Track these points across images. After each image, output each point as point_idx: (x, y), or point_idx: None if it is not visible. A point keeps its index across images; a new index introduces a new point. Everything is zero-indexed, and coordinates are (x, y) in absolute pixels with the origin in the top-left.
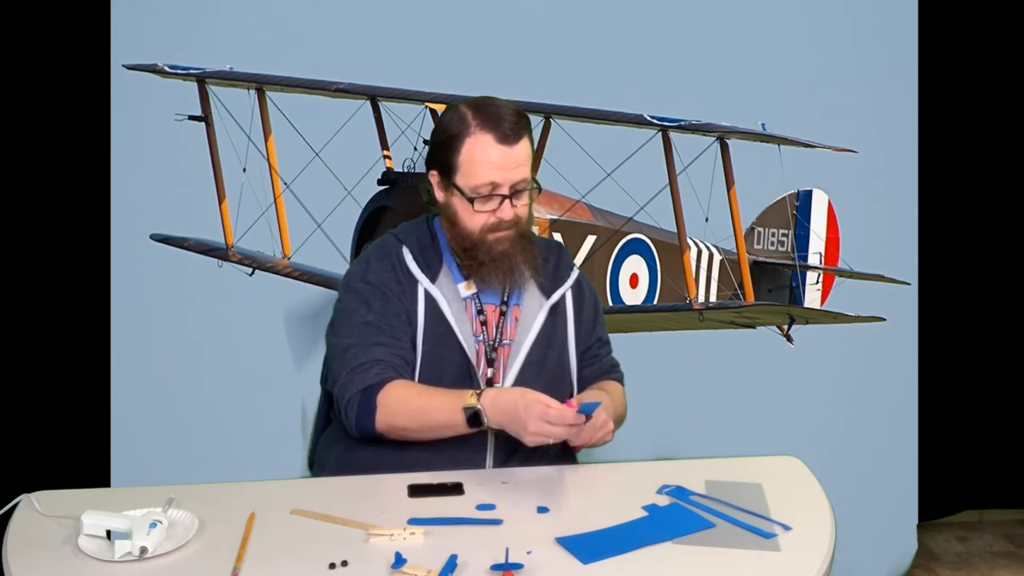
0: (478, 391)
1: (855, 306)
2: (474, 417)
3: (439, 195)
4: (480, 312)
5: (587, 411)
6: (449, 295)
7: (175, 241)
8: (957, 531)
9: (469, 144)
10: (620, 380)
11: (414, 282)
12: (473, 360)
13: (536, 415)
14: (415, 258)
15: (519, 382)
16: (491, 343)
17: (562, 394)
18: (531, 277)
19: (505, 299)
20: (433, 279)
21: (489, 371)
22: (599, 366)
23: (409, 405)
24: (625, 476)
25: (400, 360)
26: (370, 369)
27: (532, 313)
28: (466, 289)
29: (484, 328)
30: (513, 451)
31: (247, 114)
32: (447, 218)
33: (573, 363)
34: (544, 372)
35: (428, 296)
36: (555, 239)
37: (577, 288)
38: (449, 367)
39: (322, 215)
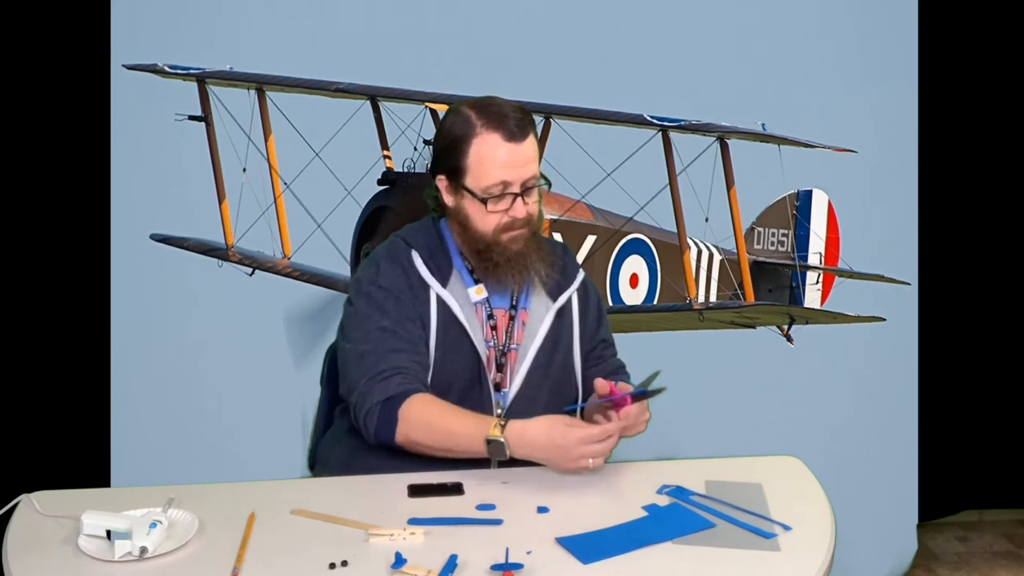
0: (503, 422)
1: (855, 306)
2: (497, 449)
3: (448, 199)
4: (490, 317)
5: (643, 392)
6: (461, 299)
7: (175, 241)
8: (957, 531)
9: (476, 145)
10: (628, 382)
11: (426, 287)
12: (484, 365)
13: (578, 439)
14: (425, 262)
15: (525, 386)
16: (501, 348)
17: (567, 397)
18: (546, 276)
19: (514, 303)
20: (444, 283)
21: (497, 376)
22: (604, 367)
23: (431, 423)
24: (625, 476)
25: (419, 367)
26: (391, 378)
27: (539, 317)
28: (476, 294)
29: (494, 333)
30: (517, 461)
31: (247, 114)
32: (458, 222)
33: (578, 366)
34: (550, 375)
35: (440, 301)
36: (559, 240)
37: (583, 290)
38: (460, 372)
39: (322, 215)
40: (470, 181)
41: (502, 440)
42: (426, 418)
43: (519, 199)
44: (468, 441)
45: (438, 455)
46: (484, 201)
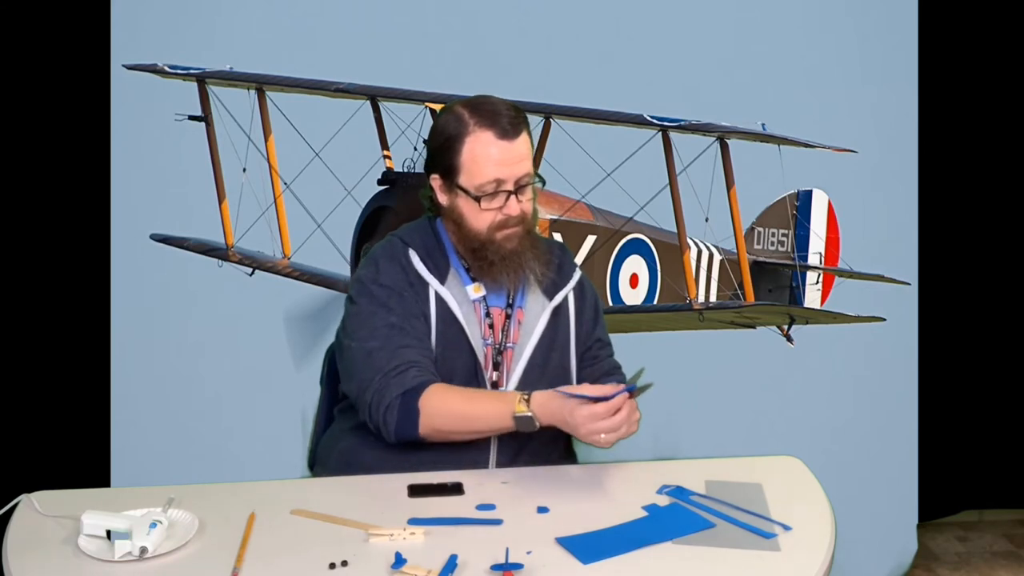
0: (526, 395)
1: (855, 306)
2: (525, 423)
3: (442, 199)
4: (487, 315)
5: (631, 389)
6: (459, 297)
7: (175, 241)
8: (957, 531)
9: (469, 143)
10: (622, 383)
11: (425, 284)
12: (482, 363)
13: (584, 417)
14: (423, 260)
15: (522, 385)
16: (498, 346)
17: None
18: (541, 274)
19: (510, 301)
20: (442, 281)
21: (494, 374)
22: (599, 367)
23: (454, 410)
24: (625, 476)
25: (428, 361)
26: (406, 372)
27: (535, 316)
28: (475, 292)
29: (491, 331)
30: (516, 454)
31: (247, 114)
32: (453, 220)
33: (574, 365)
34: (546, 374)
35: (439, 298)
36: (556, 239)
37: (579, 289)
38: (458, 370)
39: (322, 215)
40: (464, 179)
41: (530, 414)
42: (448, 405)
43: (513, 197)
44: (494, 420)
45: (461, 439)
46: (478, 199)
